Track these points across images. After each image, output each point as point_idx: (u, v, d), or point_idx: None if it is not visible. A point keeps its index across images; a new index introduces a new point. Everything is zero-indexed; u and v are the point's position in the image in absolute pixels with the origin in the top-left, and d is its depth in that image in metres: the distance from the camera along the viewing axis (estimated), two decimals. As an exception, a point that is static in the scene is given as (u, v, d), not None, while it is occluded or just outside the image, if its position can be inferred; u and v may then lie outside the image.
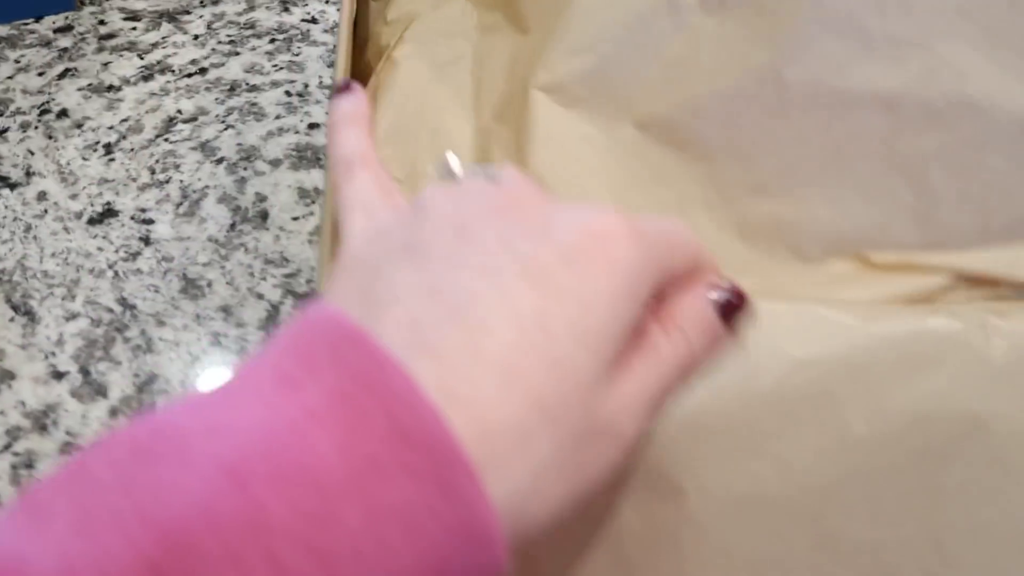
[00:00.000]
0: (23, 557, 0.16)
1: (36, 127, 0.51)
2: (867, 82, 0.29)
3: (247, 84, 0.54)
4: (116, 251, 0.45)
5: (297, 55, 0.56)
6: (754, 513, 0.24)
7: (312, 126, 0.52)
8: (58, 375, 0.40)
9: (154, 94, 0.53)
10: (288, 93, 0.53)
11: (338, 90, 0.27)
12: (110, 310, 0.43)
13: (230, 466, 0.16)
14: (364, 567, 0.16)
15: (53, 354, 0.41)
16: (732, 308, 0.22)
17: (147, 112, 0.52)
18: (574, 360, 0.18)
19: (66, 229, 0.46)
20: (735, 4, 0.32)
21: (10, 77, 0.53)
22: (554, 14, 0.36)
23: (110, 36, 0.57)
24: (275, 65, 0.55)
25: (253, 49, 0.56)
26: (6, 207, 0.46)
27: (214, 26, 0.58)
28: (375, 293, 0.20)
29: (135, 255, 0.45)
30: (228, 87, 0.54)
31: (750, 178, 0.31)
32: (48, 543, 0.16)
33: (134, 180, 0.48)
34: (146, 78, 0.54)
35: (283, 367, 0.18)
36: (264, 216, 0.46)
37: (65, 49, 0.55)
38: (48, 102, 0.52)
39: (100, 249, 0.45)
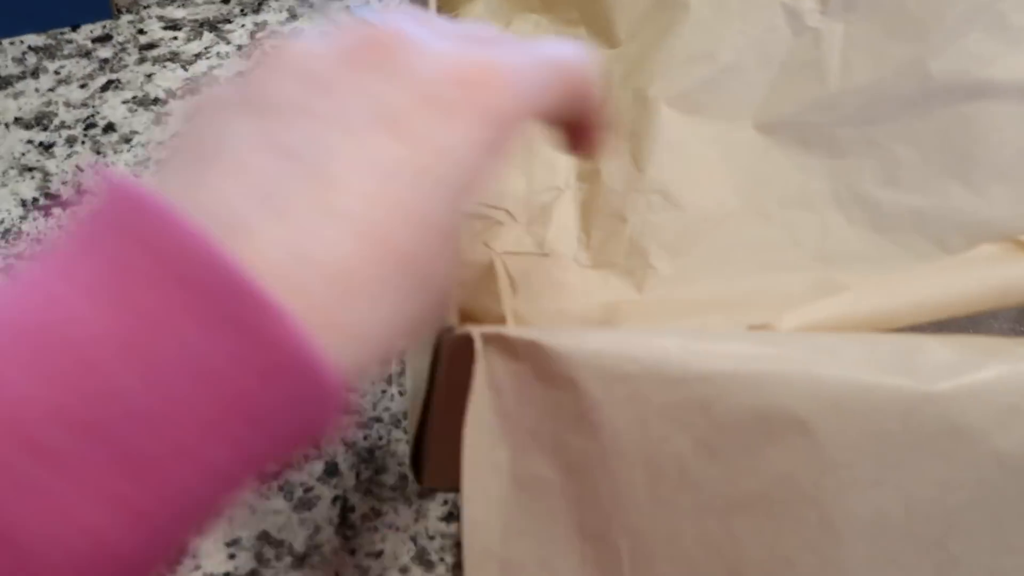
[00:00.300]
0: None
1: (83, 142, 0.50)
2: (1010, 72, 0.29)
3: (296, 96, 0.53)
4: (176, 271, 0.44)
5: (344, 66, 0.55)
6: (875, 540, 0.24)
7: (365, 140, 0.51)
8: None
9: (201, 107, 0.52)
10: (338, 105, 0.53)
11: None
12: (174, 333, 0.42)
13: None
14: (152, 430, 0.14)
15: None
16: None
17: (196, 126, 0.51)
18: (430, 212, 0.18)
19: (123, 248, 0.45)
20: (865, 7, 0.32)
21: (51, 89, 0.52)
22: (659, 28, 0.36)
23: (151, 46, 0.55)
24: (322, 76, 0.54)
25: (299, 60, 0.55)
26: (60, 227, 0.45)
27: (257, 36, 0.57)
28: (203, 153, 0.18)
29: (196, 275, 0.44)
30: (277, 99, 0.53)
31: (884, 172, 0.31)
32: None
33: (188, 197, 0.47)
34: (192, 91, 0.53)
35: (64, 249, 0.16)
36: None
37: (106, 60, 0.54)
38: (93, 115, 0.51)
39: (160, 269, 0.44)
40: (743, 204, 0.33)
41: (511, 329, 0.23)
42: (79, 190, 0.18)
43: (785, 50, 0.34)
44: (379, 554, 0.32)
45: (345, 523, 0.33)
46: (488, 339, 0.23)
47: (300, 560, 0.32)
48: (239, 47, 0.56)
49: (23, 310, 0.15)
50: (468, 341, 0.24)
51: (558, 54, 0.21)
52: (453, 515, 0.33)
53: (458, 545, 0.33)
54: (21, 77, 0.53)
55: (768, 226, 0.32)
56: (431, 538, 0.33)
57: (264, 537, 0.33)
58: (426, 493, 0.34)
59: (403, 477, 0.34)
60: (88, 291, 0.15)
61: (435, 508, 0.34)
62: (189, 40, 0.56)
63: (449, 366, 0.24)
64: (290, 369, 0.15)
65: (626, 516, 0.23)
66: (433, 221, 0.18)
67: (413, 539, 0.33)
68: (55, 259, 0.16)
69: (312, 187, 0.17)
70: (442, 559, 0.32)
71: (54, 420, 0.14)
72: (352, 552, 0.32)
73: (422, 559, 0.32)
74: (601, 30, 0.39)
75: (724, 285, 0.31)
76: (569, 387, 0.23)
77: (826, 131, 0.33)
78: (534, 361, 0.23)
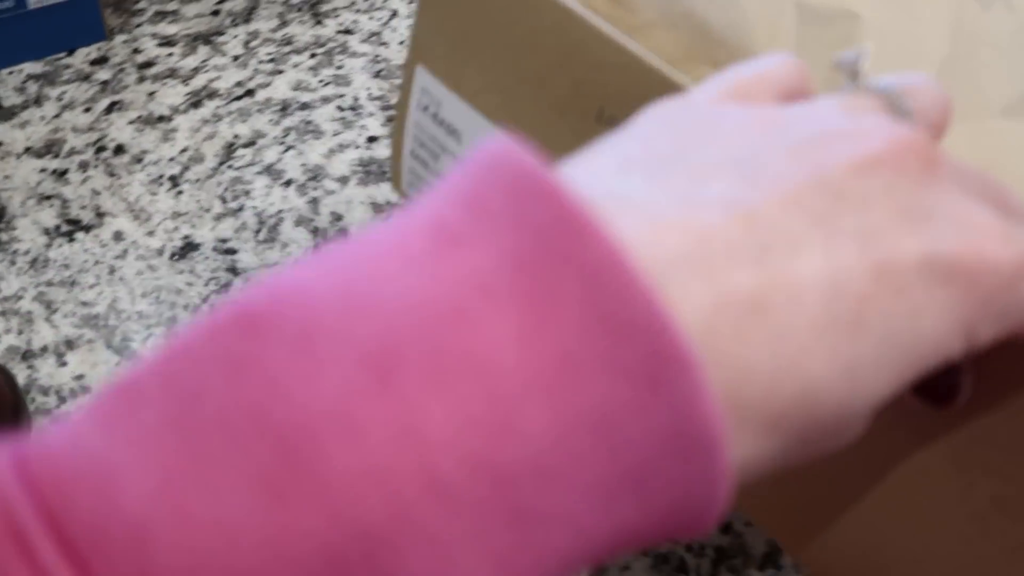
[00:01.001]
0: (110, 461, 0.13)
1: (96, 166, 0.51)
2: None
3: (298, 102, 0.54)
4: (205, 284, 0.46)
5: (340, 68, 0.56)
6: None
7: (371, 139, 0.52)
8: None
9: (207, 121, 0.53)
10: (340, 108, 0.54)
11: None
12: (212, 344, 0.43)
13: (372, 356, 0.13)
14: (548, 486, 0.13)
15: (166, 394, 0.41)
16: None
17: (204, 140, 0.52)
18: (861, 368, 0.15)
19: (151, 267, 0.46)
20: None
21: (57, 116, 0.53)
22: (828, 46, 0.33)
23: (148, 64, 0.56)
24: (321, 80, 0.56)
25: (295, 66, 0.56)
26: (85, 251, 0.47)
27: (251, 45, 0.58)
28: (666, 171, 0.15)
29: (225, 286, 0.46)
30: (279, 107, 0.54)
31: None
32: (140, 439, 0.13)
33: (207, 211, 0.49)
34: (195, 105, 0.54)
35: (442, 214, 0.14)
36: (344, 235, 0.47)
37: (106, 82, 0.55)
38: (101, 138, 0.52)
39: (190, 284, 0.46)
40: None
41: None
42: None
43: (984, 28, 0.31)
44: None
45: None
46: None
47: None
48: (235, 57, 0.57)
49: (417, 297, 0.13)
50: None
51: None
52: None
53: None
54: (24, 106, 0.54)
55: None
56: None
57: None
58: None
59: None
60: (495, 300, 0.13)
61: None
62: (185, 55, 0.57)
63: None
64: (695, 443, 0.13)
65: None
66: (861, 380, 0.15)
67: None
68: (433, 225, 0.14)
69: (759, 275, 0.14)
70: None
71: (463, 463, 0.12)
72: None
73: None
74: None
75: None
76: None
77: None
78: None
